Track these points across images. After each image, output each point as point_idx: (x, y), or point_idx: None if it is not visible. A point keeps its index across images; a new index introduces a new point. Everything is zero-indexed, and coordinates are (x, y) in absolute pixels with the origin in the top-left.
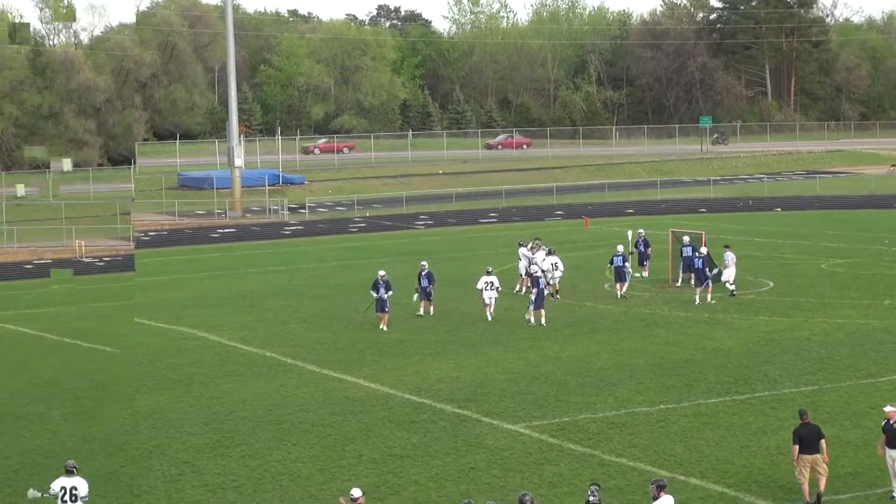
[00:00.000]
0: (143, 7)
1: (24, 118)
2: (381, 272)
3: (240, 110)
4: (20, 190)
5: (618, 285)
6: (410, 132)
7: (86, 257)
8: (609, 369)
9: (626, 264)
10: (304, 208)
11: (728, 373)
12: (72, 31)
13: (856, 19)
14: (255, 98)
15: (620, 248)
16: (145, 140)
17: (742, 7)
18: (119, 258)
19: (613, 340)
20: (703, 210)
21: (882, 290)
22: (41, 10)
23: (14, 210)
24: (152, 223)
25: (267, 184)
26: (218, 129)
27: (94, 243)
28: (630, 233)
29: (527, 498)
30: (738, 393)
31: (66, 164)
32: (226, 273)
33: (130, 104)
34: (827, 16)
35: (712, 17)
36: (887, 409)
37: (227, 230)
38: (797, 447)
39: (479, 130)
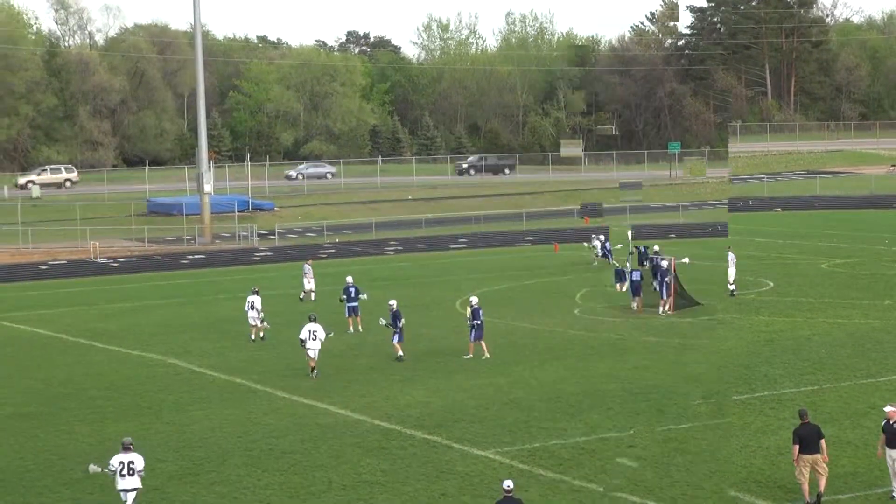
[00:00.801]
0: (111, 33)
1: (39, 119)
2: (349, 278)
3: (209, 136)
4: (35, 191)
5: (636, 300)
6: (380, 158)
7: (100, 258)
8: (579, 395)
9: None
10: (274, 234)
11: (698, 397)
12: (87, 32)
13: (856, 19)
14: (225, 124)
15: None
16: (114, 166)
17: (742, 7)
18: (133, 259)
19: (583, 366)
20: (673, 236)
21: (882, 290)
22: (56, 11)
23: (29, 211)
24: (121, 249)
25: (236, 210)
26: (187, 155)
27: (109, 244)
28: (630, 233)
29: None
30: (738, 392)
31: (35, 190)
32: (195, 299)
33: (145, 105)
34: (827, 16)
35: (680, 43)
36: (887, 409)
37: (196, 256)
38: (797, 447)
39: (449, 156)
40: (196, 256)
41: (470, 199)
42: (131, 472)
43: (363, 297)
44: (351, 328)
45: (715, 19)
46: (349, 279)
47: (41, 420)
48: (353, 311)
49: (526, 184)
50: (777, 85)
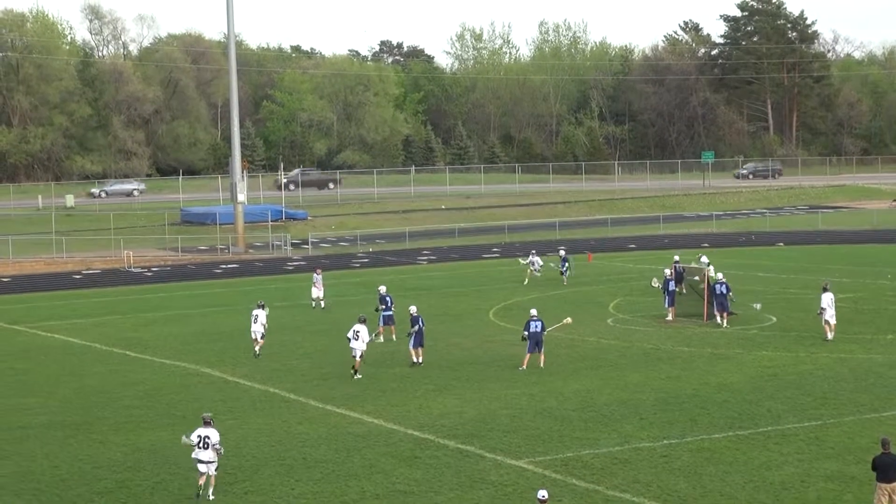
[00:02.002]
0: (145, 43)
1: (73, 129)
2: (382, 287)
3: (242, 146)
4: (69, 200)
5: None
6: (413, 167)
7: (134, 268)
8: (612, 404)
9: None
10: (307, 244)
11: (732, 407)
12: (121, 42)
13: (857, 54)
14: (258, 134)
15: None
16: (148, 176)
17: (744, 42)
18: (167, 268)
19: (616, 375)
20: (706, 245)
21: (885, 325)
22: (90, 21)
23: (63, 220)
24: (155, 259)
25: (270, 219)
26: (221, 164)
27: (142, 253)
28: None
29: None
30: (742, 428)
31: (69, 199)
32: (228, 309)
33: (179, 115)
34: (828, 51)
35: (714, 52)
36: None
37: (229, 266)
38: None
39: (482, 166)
40: (229, 266)
41: (503, 208)
42: (206, 445)
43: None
44: (381, 337)
45: (749, 28)
46: (382, 289)
47: (75, 429)
48: (388, 320)
49: (559, 193)
50: (779, 120)
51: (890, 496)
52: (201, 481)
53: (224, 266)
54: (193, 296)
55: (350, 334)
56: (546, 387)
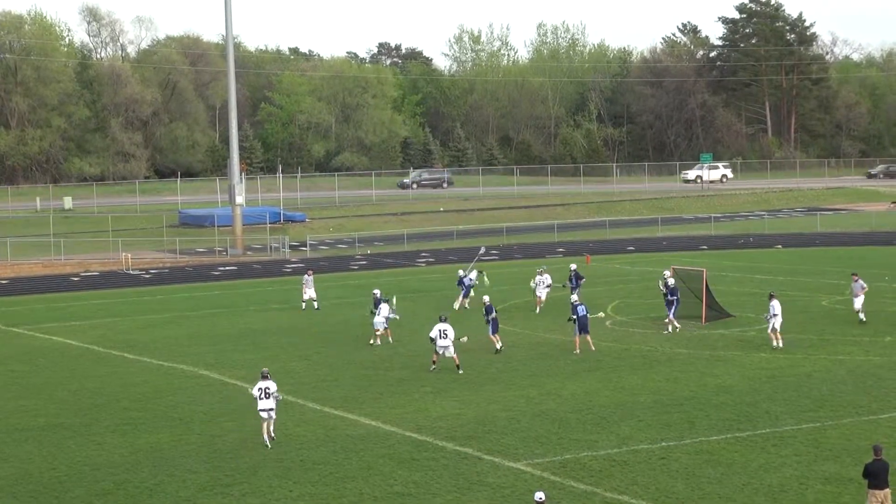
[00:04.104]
0: (144, 45)
1: (71, 131)
2: (376, 291)
3: (241, 148)
4: (68, 202)
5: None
6: (411, 169)
7: (132, 270)
8: (610, 406)
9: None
10: (306, 246)
11: (730, 409)
12: (119, 44)
13: (855, 56)
14: (256, 136)
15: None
16: (146, 178)
17: (742, 44)
18: (165, 270)
19: (614, 377)
20: (705, 247)
21: (883, 327)
22: (88, 23)
23: (62, 222)
24: (153, 261)
25: (268, 221)
26: (219, 166)
27: (141, 256)
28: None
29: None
30: (740, 430)
31: (68, 202)
32: (227, 311)
33: (177, 117)
34: (826, 53)
35: (712, 54)
36: None
37: (228, 268)
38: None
39: (480, 168)
40: (227, 268)
41: (501, 210)
42: (267, 395)
43: (394, 316)
44: (378, 341)
45: (747, 30)
46: (377, 292)
47: (73, 431)
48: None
49: (557, 195)
50: (777, 122)
51: (882, 503)
52: (264, 430)
53: (222, 268)
54: (191, 298)
55: (434, 334)
56: (544, 389)
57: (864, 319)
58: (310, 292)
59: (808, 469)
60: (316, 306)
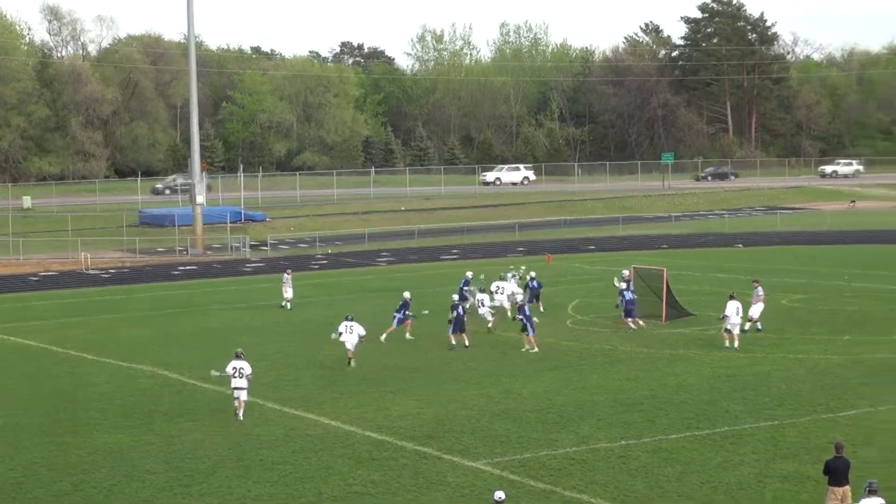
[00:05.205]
0: (105, 44)
1: (31, 130)
2: (406, 294)
3: (202, 147)
4: (27, 202)
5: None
6: (373, 169)
7: (92, 269)
8: (570, 405)
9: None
10: (266, 245)
11: (689, 408)
12: (79, 43)
13: (816, 56)
14: (218, 135)
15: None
16: (106, 177)
17: (704, 44)
18: (125, 270)
19: (574, 376)
20: (665, 246)
21: (841, 325)
22: (49, 22)
23: (20, 222)
24: (113, 260)
25: (228, 221)
26: (180, 166)
27: (100, 255)
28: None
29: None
30: (700, 428)
31: (27, 201)
32: (187, 310)
33: (138, 116)
34: (787, 53)
35: (674, 54)
36: None
37: (188, 267)
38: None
39: (442, 167)
40: (188, 267)
41: (463, 209)
42: (241, 374)
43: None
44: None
45: (709, 30)
46: (406, 295)
47: (31, 431)
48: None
49: (519, 194)
50: (738, 122)
51: (841, 501)
52: (238, 406)
53: (182, 268)
54: (151, 298)
55: (342, 328)
56: (504, 388)
57: (761, 328)
58: (290, 292)
59: (767, 467)
60: (288, 307)
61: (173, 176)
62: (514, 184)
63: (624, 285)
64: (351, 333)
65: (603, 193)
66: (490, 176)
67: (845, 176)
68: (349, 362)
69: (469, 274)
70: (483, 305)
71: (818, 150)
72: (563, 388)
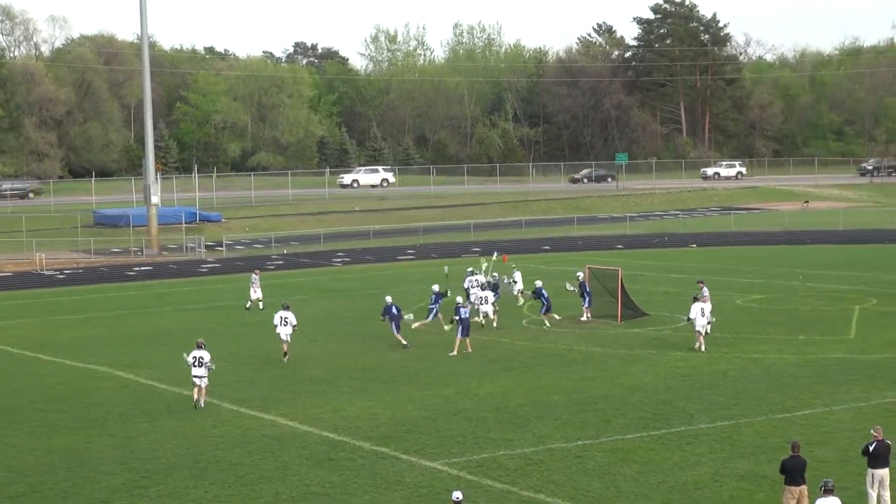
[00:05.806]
0: (58, 44)
1: None
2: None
3: (156, 148)
4: None
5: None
6: (328, 169)
7: (46, 270)
8: (526, 405)
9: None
10: (222, 246)
11: (645, 408)
12: (32, 43)
13: (768, 57)
14: (172, 135)
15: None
16: (60, 177)
17: (657, 45)
18: (80, 271)
19: (530, 377)
20: (620, 246)
21: (796, 325)
22: (1, 21)
23: None
24: (67, 261)
25: (184, 221)
26: (134, 166)
27: (55, 256)
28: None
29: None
30: (656, 428)
31: None
32: (142, 311)
33: (92, 116)
34: (740, 54)
35: (627, 54)
36: (873, 430)
37: (143, 268)
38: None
39: (396, 167)
40: (143, 268)
41: (418, 210)
42: (200, 364)
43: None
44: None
45: (662, 31)
46: (388, 299)
47: None
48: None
49: (474, 195)
50: (692, 122)
51: (798, 500)
52: (195, 393)
53: (137, 268)
54: (106, 298)
55: (276, 321)
56: (460, 388)
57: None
58: (258, 293)
59: (723, 466)
60: (261, 306)
61: None
62: (374, 186)
63: (571, 288)
64: (285, 325)
65: (557, 194)
66: (347, 178)
67: (727, 178)
68: (284, 355)
69: (470, 270)
70: (485, 302)
71: (771, 150)
72: (519, 389)
